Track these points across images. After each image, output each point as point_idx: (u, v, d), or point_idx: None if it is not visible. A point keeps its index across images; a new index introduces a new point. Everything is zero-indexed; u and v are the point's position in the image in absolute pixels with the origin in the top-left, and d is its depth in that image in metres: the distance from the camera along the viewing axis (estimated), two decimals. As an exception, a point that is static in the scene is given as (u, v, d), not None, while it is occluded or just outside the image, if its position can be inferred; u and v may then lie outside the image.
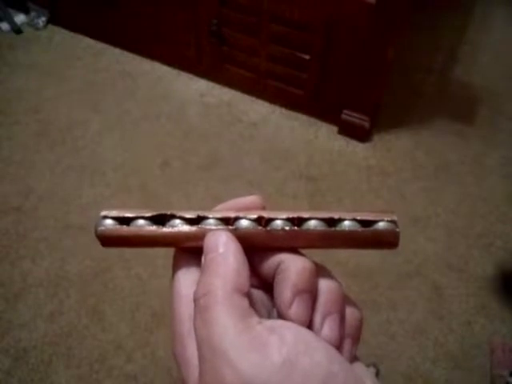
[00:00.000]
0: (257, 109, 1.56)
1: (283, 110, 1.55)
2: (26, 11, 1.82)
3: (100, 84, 1.62)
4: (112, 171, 1.36)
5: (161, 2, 1.48)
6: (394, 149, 1.46)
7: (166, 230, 0.20)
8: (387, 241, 0.20)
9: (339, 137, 1.48)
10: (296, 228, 0.20)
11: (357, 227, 0.20)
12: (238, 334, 0.16)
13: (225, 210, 0.22)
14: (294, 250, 0.20)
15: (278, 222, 0.20)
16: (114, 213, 0.21)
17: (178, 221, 0.21)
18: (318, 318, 0.19)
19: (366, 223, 0.20)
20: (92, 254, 1.17)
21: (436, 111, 1.58)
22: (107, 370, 1.00)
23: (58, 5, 1.75)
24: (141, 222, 0.21)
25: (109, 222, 0.21)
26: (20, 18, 1.82)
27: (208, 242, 0.20)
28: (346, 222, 0.20)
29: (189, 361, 0.18)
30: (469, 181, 1.38)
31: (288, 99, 1.52)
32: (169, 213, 0.21)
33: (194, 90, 1.61)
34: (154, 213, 0.21)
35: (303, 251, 0.21)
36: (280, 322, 0.18)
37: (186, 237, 0.20)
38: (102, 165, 1.38)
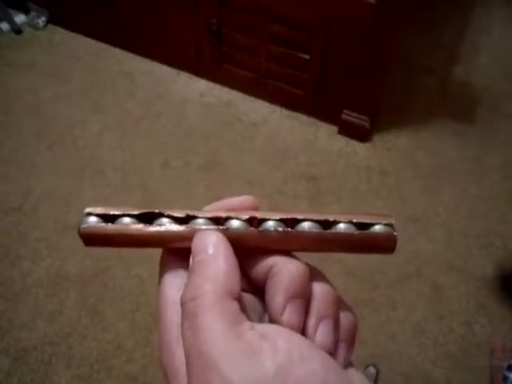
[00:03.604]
0: (257, 109, 1.56)
1: (283, 110, 1.55)
2: (26, 11, 1.82)
3: (100, 84, 1.62)
4: (112, 171, 1.36)
5: (161, 2, 1.48)
6: (394, 149, 1.46)
7: (152, 228, 0.19)
8: (383, 245, 0.20)
9: (339, 137, 1.48)
10: (289, 229, 0.19)
11: (352, 230, 0.19)
12: (229, 342, 0.15)
13: (215, 209, 0.21)
14: (286, 253, 0.20)
15: (271, 223, 0.19)
16: (99, 210, 0.20)
17: (165, 220, 0.20)
18: (311, 323, 0.18)
19: (362, 226, 0.20)
20: (92, 254, 1.17)
21: (436, 111, 1.58)
22: (107, 369, 1.00)
23: (58, 5, 1.75)
24: (127, 219, 0.19)
25: (93, 219, 0.19)
26: (20, 18, 1.82)
27: (197, 243, 0.19)
28: (342, 225, 0.20)
29: (177, 370, 0.17)
30: (469, 181, 1.38)
31: (288, 99, 1.52)
32: (156, 211, 0.20)
33: (194, 90, 1.61)
34: (141, 211, 0.20)
35: (297, 254, 0.20)
36: (272, 326, 0.17)
37: (174, 237, 0.19)
38: (102, 165, 1.38)
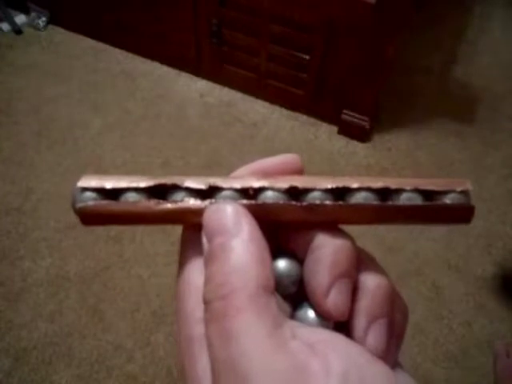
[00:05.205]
0: (257, 109, 1.56)
1: (283, 110, 1.55)
2: (27, 12, 1.82)
3: (100, 84, 1.62)
4: (112, 171, 1.36)
5: (161, 2, 1.48)
6: (393, 149, 1.46)
7: (167, 206, 0.16)
8: (457, 217, 0.16)
9: (339, 137, 1.48)
10: (341, 203, 0.16)
11: (419, 200, 0.16)
12: (269, 355, 0.12)
13: (248, 174, 0.17)
14: (330, 225, 0.16)
15: (317, 194, 0.16)
16: (96, 183, 0.16)
17: (183, 193, 0.16)
18: (361, 323, 0.15)
19: (430, 194, 0.16)
20: (92, 253, 1.17)
21: (436, 111, 1.58)
22: (107, 369, 1.00)
23: (59, 5, 1.75)
24: (133, 195, 0.16)
25: (90, 195, 0.16)
26: (20, 19, 1.82)
27: (211, 220, 0.15)
28: (406, 194, 0.16)
29: (199, 380, 0.14)
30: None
31: (288, 99, 1.52)
32: (169, 183, 0.16)
33: (194, 90, 1.61)
34: (151, 183, 0.16)
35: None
36: (320, 333, 0.14)
37: (195, 214, 0.16)
38: (102, 165, 1.38)
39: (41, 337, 1.04)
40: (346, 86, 1.37)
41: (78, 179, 0.17)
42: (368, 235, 1.19)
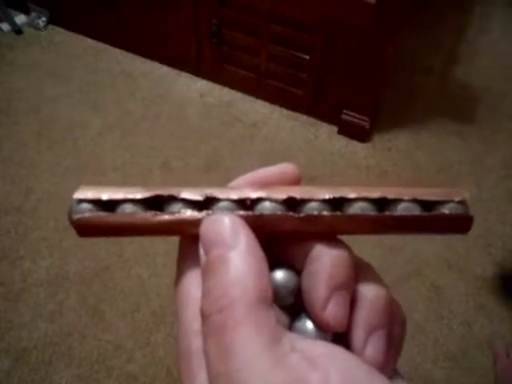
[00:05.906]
0: (257, 109, 1.56)
1: (283, 110, 1.55)
2: (27, 12, 1.82)
3: (100, 84, 1.62)
4: (112, 171, 1.36)
5: (161, 2, 1.48)
6: (394, 149, 1.46)
7: (163, 217, 0.16)
8: (456, 227, 0.16)
9: (339, 137, 1.48)
10: (338, 213, 0.16)
11: (417, 210, 0.16)
12: (268, 370, 0.12)
13: (244, 184, 0.17)
14: (328, 235, 0.16)
15: (314, 205, 0.16)
16: (92, 194, 0.16)
17: (179, 205, 0.16)
18: (359, 334, 0.15)
19: (428, 204, 0.16)
20: (92, 253, 1.17)
21: (436, 111, 1.58)
22: (107, 369, 1.00)
23: (58, 5, 1.75)
24: (130, 206, 0.16)
25: (87, 206, 0.16)
26: (20, 19, 1.82)
27: (208, 232, 0.15)
28: (403, 205, 0.16)
29: None
30: (469, 181, 1.38)
31: (288, 99, 1.52)
32: (166, 195, 0.16)
33: (194, 90, 1.61)
34: (147, 194, 0.16)
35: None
36: (319, 346, 0.14)
37: (192, 225, 0.16)
38: (102, 165, 1.38)
39: (41, 337, 1.04)
40: (345, 86, 1.37)
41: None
42: (367, 236, 1.19)
